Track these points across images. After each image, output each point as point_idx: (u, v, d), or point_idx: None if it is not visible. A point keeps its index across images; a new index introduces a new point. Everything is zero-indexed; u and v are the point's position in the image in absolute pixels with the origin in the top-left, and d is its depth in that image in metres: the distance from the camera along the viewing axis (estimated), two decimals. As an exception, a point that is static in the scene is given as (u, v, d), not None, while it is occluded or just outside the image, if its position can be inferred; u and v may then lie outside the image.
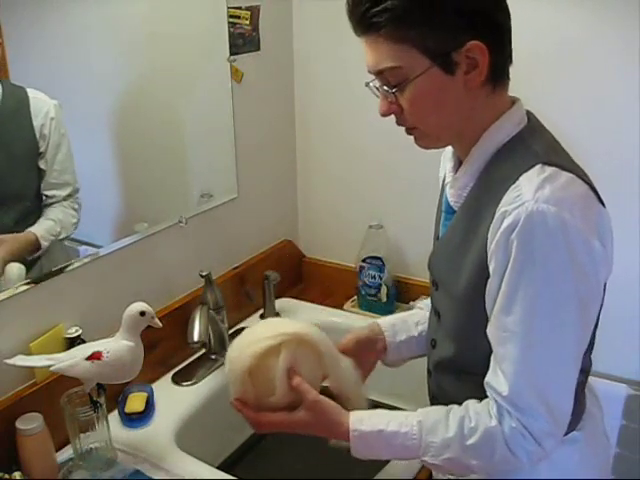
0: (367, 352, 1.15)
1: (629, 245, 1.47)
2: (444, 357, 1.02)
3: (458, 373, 1.01)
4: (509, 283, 0.84)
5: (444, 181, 1.07)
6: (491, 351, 0.90)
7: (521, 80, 1.50)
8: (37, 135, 1.23)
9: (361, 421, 0.95)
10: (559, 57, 1.44)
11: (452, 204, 0.98)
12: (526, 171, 0.85)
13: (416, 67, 0.85)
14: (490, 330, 0.89)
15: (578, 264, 0.83)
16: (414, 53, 0.85)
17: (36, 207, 1.27)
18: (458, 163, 0.99)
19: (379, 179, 1.76)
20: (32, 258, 1.24)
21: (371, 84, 0.93)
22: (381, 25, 0.84)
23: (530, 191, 0.82)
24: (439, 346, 1.04)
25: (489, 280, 0.88)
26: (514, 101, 0.94)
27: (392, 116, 0.93)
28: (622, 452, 1.57)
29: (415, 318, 1.19)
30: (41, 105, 1.23)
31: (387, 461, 1.21)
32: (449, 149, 1.08)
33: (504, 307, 0.85)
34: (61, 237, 1.30)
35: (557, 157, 0.89)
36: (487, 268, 0.88)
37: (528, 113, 0.95)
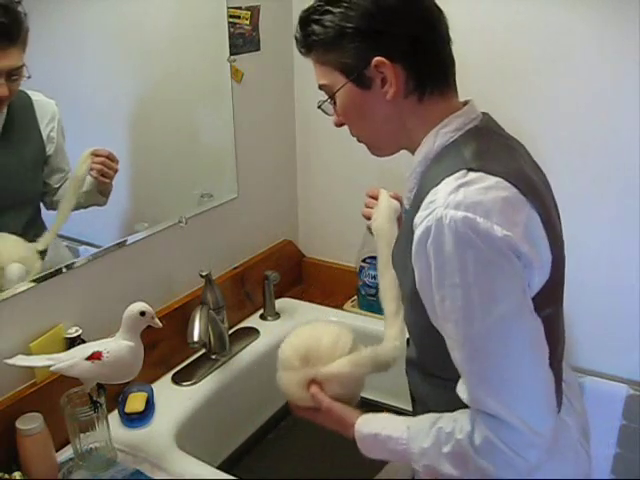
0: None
1: (629, 245, 1.47)
2: (411, 356, 1.05)
3: (423, 374, 1.02)
4: (437, 292, 0.84)
5: None
6: (444, 354, 0.89)
7: (519, 80, 1.50)
8: (45, 139, 1.24)
9: (363, 423, 1.00)
10: (558, 57, 1.44)
11: (406, 206, 1.01)
12: (448, 176, 0.84)
13: (336, 84, 0.94)
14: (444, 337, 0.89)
15: (500, 265, 0.81)
16: (333, 72, 0.93)
17: (39, 210, 1.27)
18: None
19: (380, 179, 1.76)
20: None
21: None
22: (309, 48, 0.95)
23: (443, 197, 0.82)
24: (410, 345, 1.07)
25: (417, 285, 0.88)
26: (458, 106, 0.95)
27: None
28: (622, 452, 1.57)
29: None
30: (46, 108, 1.24)
31: (387, 461, 1.21)
32: None
33: (441, 315, 0.85)
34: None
35: (488, 162, 0.86)
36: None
37: (484, 116, 0.96)
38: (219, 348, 1.53)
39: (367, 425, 0.99)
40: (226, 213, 1.67)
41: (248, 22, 1.60)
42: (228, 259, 1.70)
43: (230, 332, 1.59)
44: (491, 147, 0.92)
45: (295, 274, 1.95)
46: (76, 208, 1.28)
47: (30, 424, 1.13)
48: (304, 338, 1.12)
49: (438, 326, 0.89)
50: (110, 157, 1.31)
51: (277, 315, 1.72)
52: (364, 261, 1.75)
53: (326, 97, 0.99)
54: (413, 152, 0.97)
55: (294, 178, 1.92)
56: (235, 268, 1.71)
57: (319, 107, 1.01)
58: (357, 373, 1.07)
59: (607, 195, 1.46)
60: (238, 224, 1.71)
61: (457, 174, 0.84)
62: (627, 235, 1.46)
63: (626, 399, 1.53)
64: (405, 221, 0.98)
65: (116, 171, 1.32)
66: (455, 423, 0.89)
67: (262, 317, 1.73)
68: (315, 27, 0.92)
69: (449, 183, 0.83)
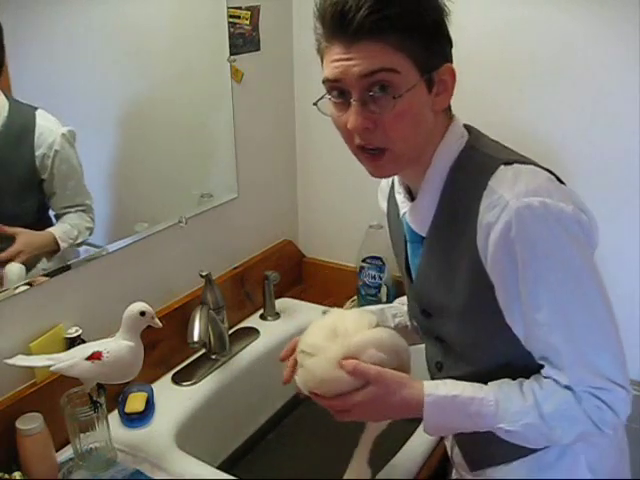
0: None
1: (629, 246, 1.47)
2: (456, 378, 1.00)
3: None
4: (527, 282, 0.85)
5: (392, 215, 1.09)
6: (507, 360, 0.92)
7: (518, 84, 1.50)
8: (37, 164, 1.21)
9: (436, 386, 0.93)
10: (556, 59, 1.44)
11: (418, 231, 0.98)
12: (492, 174, 0.87)
13: (409, 79, 0.84)
14: (526, 332, 0.89)
15: (575, 239, 0.85)
16: (408, 64, 0.84)
17: (36, 227, 1.25)
18: (408, 191, 1.00)
19: (379, 179, 1.76)
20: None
21: (331, 99, 0.89)
22: (383, 30, 0.82)
23: (507, 191, 0.84)
24: (448, 369, 1.03)
25: (498, 289, 0.88)
26: (451, 116, 0.96)
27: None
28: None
29: (393, 310, 1.21)
30: (46, 136, 1.21)
31: (387, 461, 1.21)
32: (384, 184, 1.12)
33: (531, 306, 0.86)
34: (78, 241, 1.30)
35: (511, 155, 0.91)
36: (486, 280, 0.88)
37: (465, 124, 0.97)
38: (219, 348, 1.53)
39: (440, 388, 0.93)
40: (226, 213, 1.67)
41: (248, 22, 1.60)
42: (228, 259, 1.70)
43: (230, 332, 1.59)
44: (499, 144, 0.96)
45: (295, 274, 1.95)
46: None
47: (30, 424, 1.13)
48: (325, 322, 1.03)
49: (518, 322, 0.89)
50: None
51: (277, 315, 1.72)
52: (364, 261, 1.75)
53: (359, 88, 0.84)
54: (416, 170, 0.94)
55: (294, 178, 1.92)
56: (235, 268, 1.71)
57: (371, 95, 0.85)
58: (395, 336, 1.00)
59: (607, 194, 1.46)
60: (238, 224, 1.71)
61: (499, 171, 0.87)
62: (627, 235, 1.46)
63: (626, 399, 1.52)
64: (432, 244, 0.97)
65: None
66: (548, 386, 0.89)
67: (262, 317, 1.73)
68: (399, 10, 0.81)
69: (501, 180, 0.86)
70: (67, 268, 1.27)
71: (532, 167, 0.89)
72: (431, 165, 0.93)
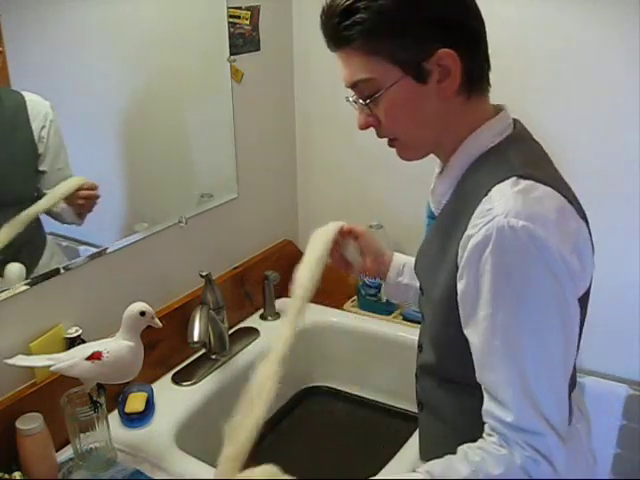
0: (372, 257, 1.18)
1: (629, 246, 1.47)
2: (427, 362, 1.01)
3: (439, 380, 0.99)
4: (488, 304, 0.81)
5: None
6: (468, 361, 0.87)
7: (519, 82, 1.50)
8: (36, 138, 1.23)
9: None
10: (556, 59, 1.44)
11: (433, 210, 0.99)
12: (499, 183, 0.83)
13: (388, 78, 0.85)
14: (476, 354, 0.86)
15: (554, 278, 0.80)
16: (386, 64, 0.84)
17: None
18: (442, 170, 1.00)
19: (379, 179, 1.76)
20: (32, 258, 1.24)
21: (350, 99, 0.92)
22: (352, 38, 0.84)
23: (501, 205, 0.80)
24: (424, 350, 1.03)
25: (461, 295, 0.85)
26: (499, 110, 0.93)
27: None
28: (622, 452, 1.57)
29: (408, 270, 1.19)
30: (39, 108, 1.22)
31: (387, 461, 1.21)
32: None
33: (487, 330, 0.82)
34: None
35: (535, 170, 0.85)
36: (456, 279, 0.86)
37: (515, 122, 0.94)
38: (219, 348, 1.53)
39: None
40: (226, 213, 1.67)
41: (248, 22, 1.60)
42: (228, 259, 1.70)
43: (230, 332, 1.59)
44: (532, 154, 0.91)
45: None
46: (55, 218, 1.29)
47: (30, 424, 1.13)
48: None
49: (479, 343, 0.84)
50: (96, 194, 1.31)
51: (277, 315, 1.72)
52: (364, 261, 1.74)
53: (354, 93, 0.89)
54: (443, 156, 0.94)
55: (294, 178, 1.92)
56: (235, 268, 1.71)
57: (356, 102, 0.90)
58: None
59: (609, 195, 1.46)
60: (238, 224, 1.71)
61: (508, 181, 0.82)
62: (628, 234, 1.46)
63: (626, 399, 1.53)
64: (436, 227, 0.96)
65: (97, 198, 1.31)
66: (482, 450, 0.83)
67: (262, 317, 1.73)
68: (365, 15, 0.82)
69: (503, 191, 0.82)
70: (67, 268, 1.27)
71: (549, 190, 0.82)
72: (454, 154, 0.91)
